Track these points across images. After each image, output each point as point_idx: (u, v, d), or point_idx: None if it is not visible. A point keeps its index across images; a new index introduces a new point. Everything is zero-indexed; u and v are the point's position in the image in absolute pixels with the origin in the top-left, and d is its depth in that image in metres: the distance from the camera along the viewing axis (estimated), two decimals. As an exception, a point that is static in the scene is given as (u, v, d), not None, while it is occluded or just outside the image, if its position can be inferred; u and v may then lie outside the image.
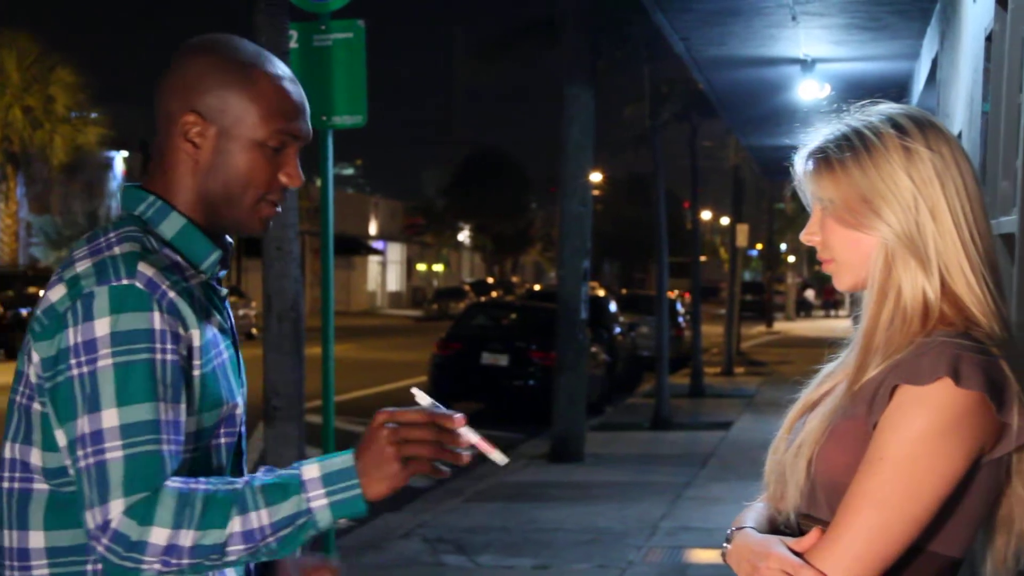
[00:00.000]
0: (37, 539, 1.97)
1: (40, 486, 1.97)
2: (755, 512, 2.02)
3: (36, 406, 1.97)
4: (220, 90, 2.03)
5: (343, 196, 59.39)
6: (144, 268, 1.93)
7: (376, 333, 36.71)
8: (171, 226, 2.05)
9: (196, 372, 1.97)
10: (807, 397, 2.05)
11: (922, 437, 1.78)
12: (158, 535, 1.85)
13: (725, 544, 1.99)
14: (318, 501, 1.92)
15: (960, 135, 5.66)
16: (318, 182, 6.36)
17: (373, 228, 61.95)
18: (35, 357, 1.95)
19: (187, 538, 1.85)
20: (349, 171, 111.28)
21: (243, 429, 2.13)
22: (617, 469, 11.85)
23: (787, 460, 1.95)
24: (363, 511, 1.95)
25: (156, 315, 1.91)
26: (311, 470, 1.95)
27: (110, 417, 1.87)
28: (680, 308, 28.20)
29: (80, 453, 1.88)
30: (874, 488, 1.79)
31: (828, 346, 2.14)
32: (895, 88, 11.86)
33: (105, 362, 1.88)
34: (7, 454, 2.00)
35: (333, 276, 6.57)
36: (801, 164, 2.00)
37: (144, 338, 1.90)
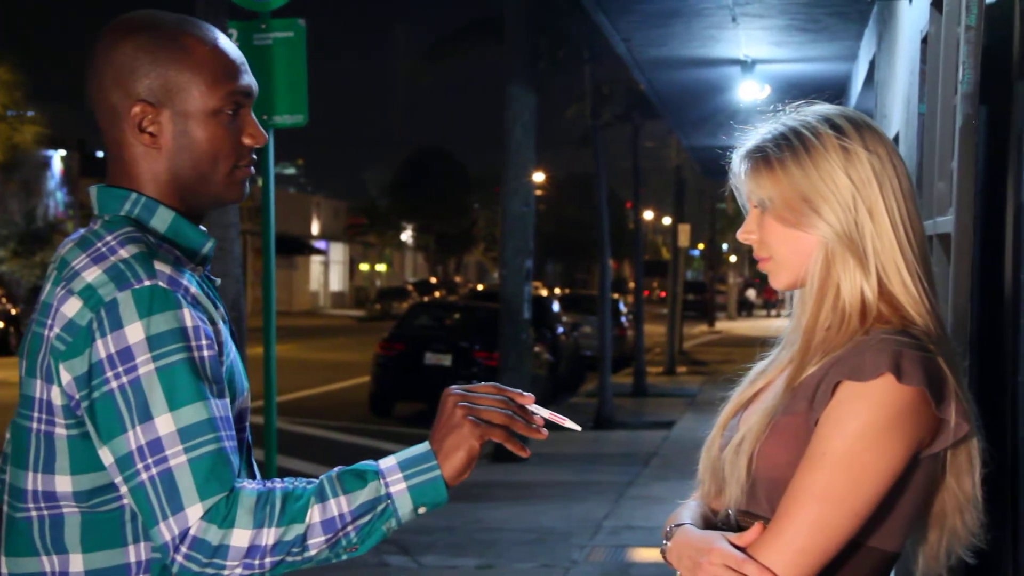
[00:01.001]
0: (76, 562, 1.89)
1: (71, 510, 1.89)
2: (690, 510, 2.03)
3: (60, 431, 1.88)
4: (158, 71, 1.94)
5: (285, 196, 59.06)
6: (161, 267, 1.86)
7: (318, 333, 36.54)
8: (162, 221, 1.97)
9: (223, 365, 1.92)
10: (740, 395, 2.07)
11: (863, 432, 1.80)
12: (240, 537, 1.78)
13: (664, 542, 2.00)
14: (397, 486, 1.87)
15: (897, 136, 5.72)
16: (259, 182, 6.33)
17: (315, 228, 61.66)
18: (65, 377, 1.85)
19: (269, 536, 1.79)
20: (291, 171, 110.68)
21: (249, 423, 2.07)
22: (560, 469, 11.88)
23: (727, 457, 1.96)
24: (444, 497, 1.90)
25: (186, 312, 1.84)
26: (387, 460, 1.91)
27: (165, 423, 1.80)
28: (623, 308, 28.32)
29: (140, 466, 1.80)
30: (816, 483, 1.81)
31: (761, 345, 2.16)
32: (834, 89, 11.97)
33: (147, 368, 1.80)
34: (28, 485, 1.90)
35: (275, 276, 6.53)
36: (738, 163, 2.01)
37: (179, 337, 1.83)
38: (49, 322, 1.88)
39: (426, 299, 41.49)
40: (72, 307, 1.85)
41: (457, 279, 64.40)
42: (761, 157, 1.96)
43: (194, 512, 1.78)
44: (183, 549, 1.78)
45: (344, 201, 68.96)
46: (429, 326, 18.13)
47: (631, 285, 36.77)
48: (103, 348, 1.82)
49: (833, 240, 1.92)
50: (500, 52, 13.60)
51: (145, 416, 1.80)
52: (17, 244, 32.68)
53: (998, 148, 3.16)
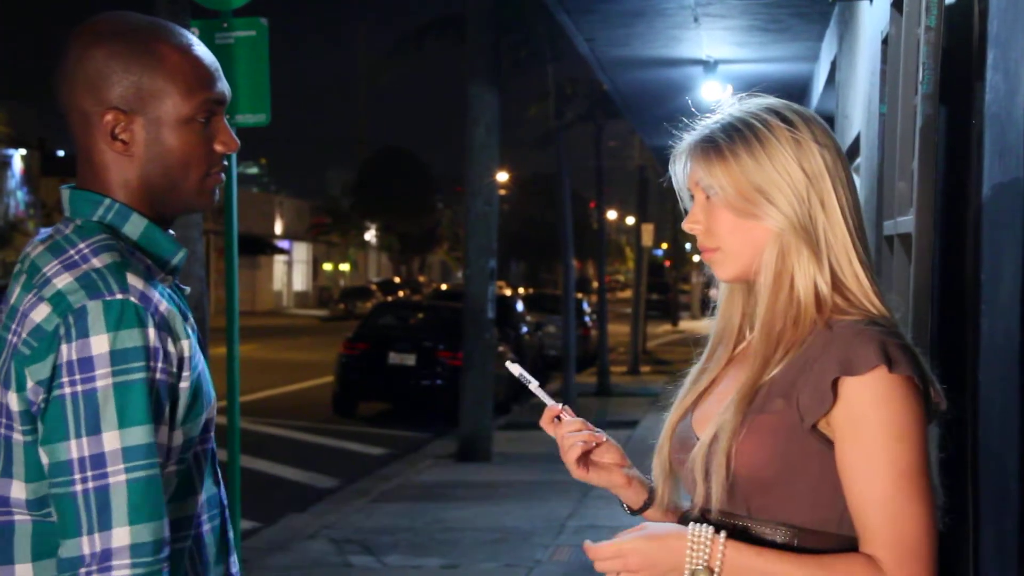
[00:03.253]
0: (24, 572, 1.88)
1: (22, 518, 1.88)
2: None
3: (17, 436, 1.87)
4: (131, 78, 1.92)
5: (247, 195, 58.77)
6: (134, 281, 1.85)
7: (282, 333, 36.40)
8: (134, 228, 1.96)
9: (184, 384, 1.90)
10: (685, 398, 2.06)
11: (890, 421, 1.82)
12: None
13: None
14: None
15: (858, 136, 5.76)
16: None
17: (278, 227, 61.39)
18: (29, 383, 1.84)
19: None
20: (253, 170, 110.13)
21: (213, 434, 2.06)
22: (524, 468, 11.88)
23: (696, 456, 1.94)
24: None
25: (151, 332, 1.84)
26: None
27: (112, 439, 1.79)
28: (586, 307, 28.36)
29: (77, 476, 1.79)
30: (887, 470, 1.81)
31: (694, 343, 2.15)
32: (796, 89, 12.04)
33: (105, 382, 1.80)
34: None
35: (237, 276, 6.50)
36: (685, 153, 2.00)
37: (141, 356, 1.82)
38: (15, 327, 1.87)
39: (390, 299, 41.39)
40: (40, 313, 1.84)
41: (421, 279, 64.28)
42: (712, 147, 1.95)
43: (120, 534, 1.78)
44: (94, 568, 1.77)
45: (307, 201, 68.68)
46: (393, 326, 18.10)
47: (595, 285, 36.84)
48: (66, 353, 1.81)
49: (788, 230, 1.92)
50: (462, 51, 13.59)
51: (94, 429, 1.79)
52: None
53: (958, 148, 3.19)
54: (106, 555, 1.77)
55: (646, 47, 10.40)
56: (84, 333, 1.81)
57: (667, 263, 52.76)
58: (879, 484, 1.81)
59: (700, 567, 1.84)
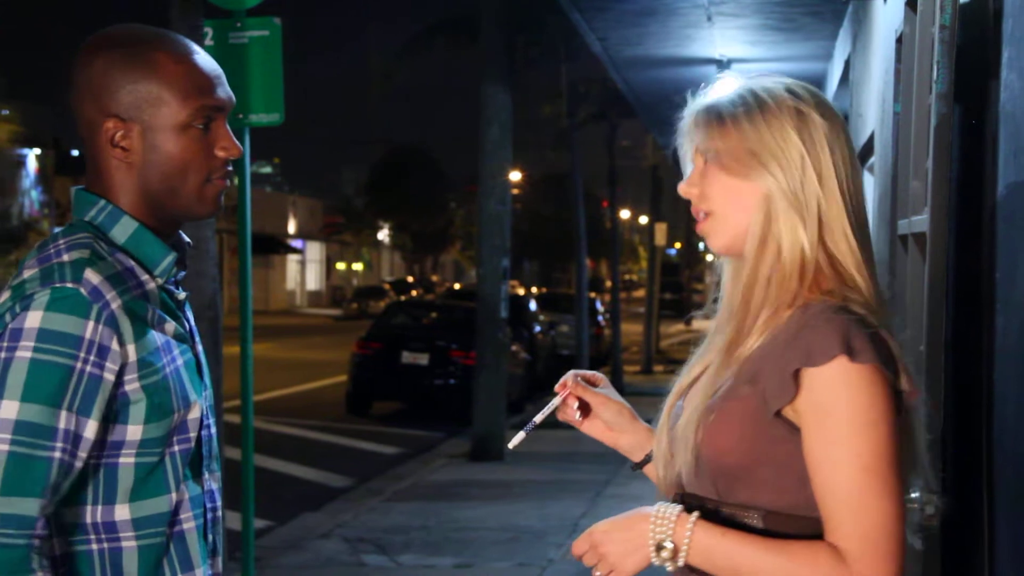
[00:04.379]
0: None
1: None
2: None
3: None
4: (129, 86, 1.99)
5: (261, 194, 58.88)
6: (91, 275, 1.90)
7: (295, 332, 36.46)
8: (123, 230, 2.02)
9: (132, 386, 1.93)
10: (681, 382, 2.08)
11: (853, 415, 1.80)
12: None
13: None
14: None
15: (872, 135, 5.75)
16: (235, 180, 6.30)
17: (292, 227, 61.50)
18: None
19: None
20: (267, 169, 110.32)
21: (205, 433, 2.09)
22: (537, 468, 11.88)
23: (675, 439, 1.96)
24: None
25: (90, 324, 1.88)
26: None
27: (8, 408, 1.84)
28: (599, 307, 28.35)
29: None
30: (851, 461, 1.80)
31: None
32: (809, 88, 12.02)
33: (23, 353, 1.85)
34: None
35: (251, 275, 6.51)
36: (690, 120, 2.00)
37: (71, 343, 1.87)
38: None
39: (403, 298, 41.44)
40: (1, 299, 1.93)
41: (434, 278, 64.35)
42: (714, 112, 1.96)
43: None
44: None
45: (320, 200, 68.80)
46: (406, 325, 18.12)
47: (608, 284, 36.83)
48: (7, 327, 1.88)
49: (777, 194, 1.90)
50: (476, 51, 13.60)
51: None
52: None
53: (973, 147, 3.18)
54: None
55: (659, 46, 10.39)
56: (25, 310, 1.87)
57: (685, 274, 52.69)
58: (842, 476, 1.80)
59: (663, 539, 1.86)
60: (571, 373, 2.22)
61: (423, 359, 16.44)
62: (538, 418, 2.17)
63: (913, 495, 2.33)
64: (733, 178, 1.93)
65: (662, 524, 1.87)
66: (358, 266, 69.71)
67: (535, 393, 18.79)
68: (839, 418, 1.80)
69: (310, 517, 9.40)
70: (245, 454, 6.30)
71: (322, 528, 8.96)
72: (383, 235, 65.47)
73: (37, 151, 38.99)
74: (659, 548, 1.86)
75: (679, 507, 1.88)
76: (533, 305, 22.29)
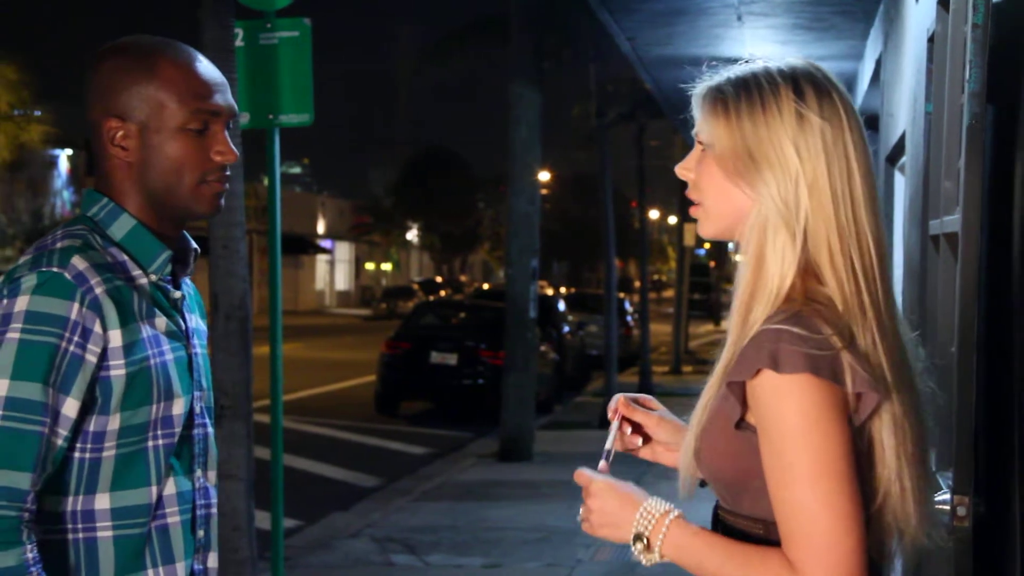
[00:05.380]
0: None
1: None
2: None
3: None
4: (130, 88, 2.10)
5: (290, 195, 59.09)
6: (77, 261, 2.01)
7: (324, 332, 36.56)
8: (121, 228, 2.12)
9: (116, 372, 2.02)
10: (706, 388, 2.05)
11: (795, 426, 1.78)
12: None
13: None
14: None
15: (904, 135, 5.72)
16: (265, 181, 6.32)
17: (321, 227, 61.68)
18: None
19: None
20: (296, 170, 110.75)
21: (198, 432, 2.17)
22: (566, 468, 11.82)
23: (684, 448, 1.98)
24: None
25: (75, 306, 1.98)
26: None
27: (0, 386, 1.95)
28: (628, 307, 28.30)
29: None
30: (792, 476, 1.79)
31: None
32: (840, 88, 11.97)
33: (12, 335, 1.95)
34: None
35: (281, 275, 6.53)
36: (700, 98, 2.00)
37: (57, 323, 1.96)
38: None
39: (432, 298, 41.49)
40: None
41: (463, 278, 64.41)
42: (719, 97, 1.95)
43: None
44: None
45: (349, 200, 69.00)
46: (435, 325, 18.14)
47: (636, 284, 36.81)
48: None
49: (769, 207, 1.88)
50: (505, 51, 13.60)
51: None
52: (24, 243, 32.74)
53: (1005, 147, 3.16)
54: None
55: (689, 46, 10.36)
56: (14, 294, 1.99)
57: (711, 264, 52.66)
58: (785, 489, 1.80)
59: (643, 532, 1.90)
60: (618, 396, 2.21)
61: (452, 359, 16.46)
62: (608, 445, 2.17)
63: (942, 496, 2.32)
64: (727, 174, 1.93)
65: (646, 518, 1.90)
66: (387, 266, 69.85)
67: (564, 393, 18.78)
68: (772, 430, 1.80)
69: (339, 517, 9.42)
70: (274, 454, 6.32)
71: (351, 528, 8.98)
72: (412, 235, 65.57)
73: (69, 152, 39.26)
74: (636, 539, 1.91)
75: (667, 505, 1.90)
76: (562, 305, 22.28)
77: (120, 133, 2.11)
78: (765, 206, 1.89)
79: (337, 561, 7.99)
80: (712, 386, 1.93)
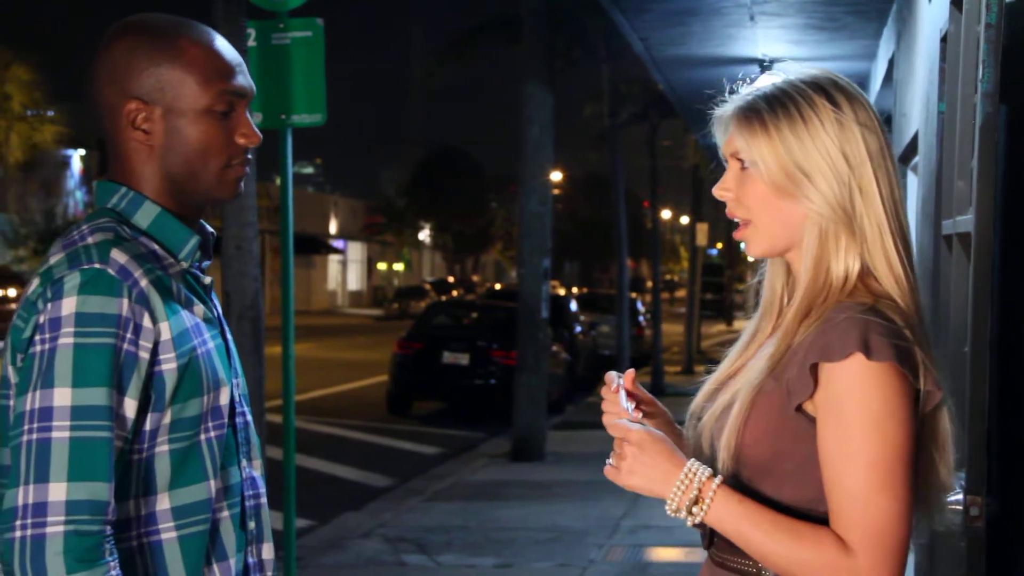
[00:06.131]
0: None
1: None
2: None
3: (10, 403, 1.94)
4: (152, 68, 2.00)
5: (303, 195, 59.14)
6: (117, 255, 1.91)
7: (336, 332, 36.60)
8: (146, 215, 2.02)
9: (168, 366, 1.93)
10: (724, 370, 2.08)
11: (866, 411, 1.82)
12: (55, 568, 1.80)
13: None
14: None
15: (916, 135, 5.71)
16: (277, 181, 6.33)
17: (333, 227, 61.74)
18: (19, 356, 1.92)
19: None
20: (309, 170, 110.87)
21: (240, 420, 2.09)
22: (578, 468, 11.87)
23: (707, 424, 1.99)
24: None
25: (124, 302, 1.88)
26: None
27: (62, 395, 1.84)
28: (640, 307, 28.28)
29: (26, 427, 1.84)
30: (859, 458, 1.82)
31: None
32: (852, 88, 11.95)
33: (66, 340, 1.85)
34: (5, 460, 1.94)
35: (293, 275, 6.54)
36: (728, 117, 1.99)
37: (110, 323, 1.87)
38: (19, 310, 1.96)
39: (444, 298, 41.48)
40: (31, 286, 1.94)
41: (475, 278, 64.40)
42: (755, 117, 1.95)
43: (57, 489, 1.82)
44: (28, 520, 1.81)
45: (362, 200, 69.03)
46: (447, 325, 18.15)
47: (649, 284, 36.79)
48: (43, 316, 1.88)
49: (827, 215, 1.92)
50: (517, 51, 13.60)
51: (48, 383, 1.85)
52: (37, 243, 32.81)
53: (1018, 147, 3.15)
54: (40, 508, 1.81)
55: (701, 46, 10.35)
56: (59, 296, 1.88)
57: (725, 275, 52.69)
58: (850, 471, 1.82)
59: (690, 500, 1.88)
60: (629, 372, 2.18)
61: (464, 359, 16.46)
62: (625, 403, 2.11)
63: (955, 496, 2.33)
64: (777, 191, 1.94)
65: (688, 484, 1.89)
66: (399, 266, 69.89)
67: (576, 393, 18.77)
68: (850, 413, 1.83)
69: (351, 517, 9.43)
70: (287, 453, 6.33)
71: (363, 528, 8.99)
72: (424, 235, 65.60)
73: (82, 152, 39.35)
74: (677, 511, 1.90)
75: (709, 471, 1.90)
76: (574, 305, 22.27)
77: (142, 115, 2.00)
78: (821, 214, 1.92)
79: (349, 561, 8.00)
80: (756, 372, 1.94)
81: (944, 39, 4.13)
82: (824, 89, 1.95)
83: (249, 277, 6.41)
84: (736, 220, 2.01)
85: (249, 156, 2.10)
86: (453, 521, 9.21)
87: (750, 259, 2.06)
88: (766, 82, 2.00)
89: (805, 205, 1.92)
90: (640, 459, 1.92)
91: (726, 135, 2.00)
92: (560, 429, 14.63)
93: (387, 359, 17.35)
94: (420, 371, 16.44)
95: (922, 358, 1.87)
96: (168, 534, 1.96)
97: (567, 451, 13.03)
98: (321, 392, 18.73)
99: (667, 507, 1.92)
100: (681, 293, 64.65)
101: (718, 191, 2.02)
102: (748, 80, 2.05)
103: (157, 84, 2.00)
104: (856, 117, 1.93)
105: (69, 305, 1.87)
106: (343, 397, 18.56)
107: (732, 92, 2.03)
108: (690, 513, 1.89)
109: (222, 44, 2.06)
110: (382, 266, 69.48)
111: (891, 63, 8.20)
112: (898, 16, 7.59)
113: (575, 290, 41.44)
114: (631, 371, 2.12)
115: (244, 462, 2.10)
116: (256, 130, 2.08)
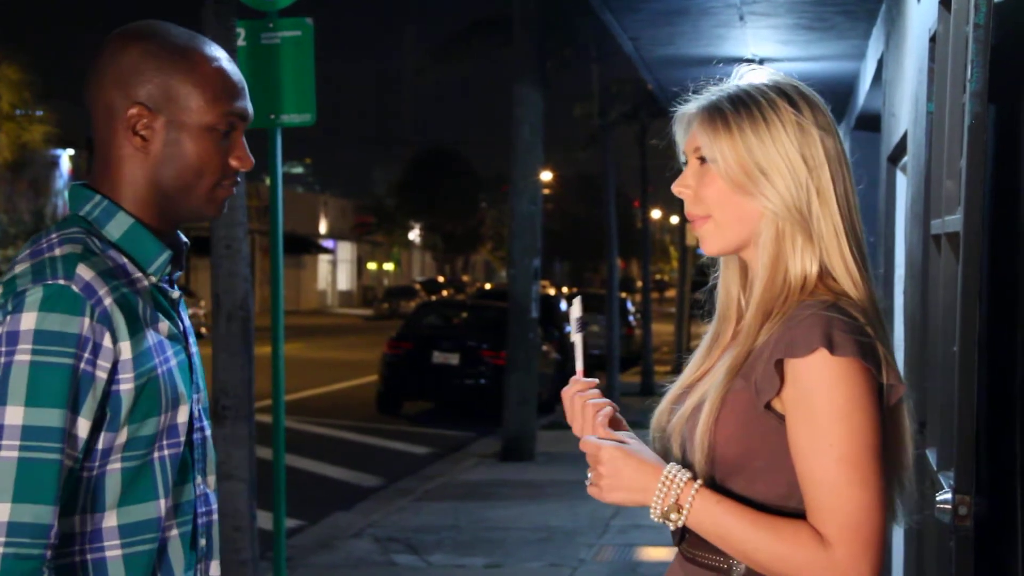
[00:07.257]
0: None
1: None
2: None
3: None
4: (161, 78, 1.98)
5: (292, 195, 59.10)
6: (83, 271, 1.88)
7: (326, 332, 36.57)
8: (118, 227, 1.99)
9: (125, 386, 1.90)
10: (689, 375, 2.11)
11: (834, 404, 1.86)
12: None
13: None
14: None
15: (905, 135, 5.72)
16: (267, 181, 6.32)
17: (323, 227, 61.69)
18: None
19: None
20: (298, 170, 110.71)
21: (197, 436, 2.06)
22: (568, 468, 11.87)
23: (675, 426, 2.02)
24: None
25: (86, 321, 1.85)
26: None
27: (14, 414, 1.81)
28: (630, 307, 28.30)
29: None
30: (829, 451, 1.86)
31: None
32: (842, 88, 11.97)
33: (23, 357, 1.82)
34: None
35: (283, 275, 6.53)
36: (690, 116, 2.04)
37: (69, 342, 1.84)
38: None
39: (434, 298, 41.49)
40: None
41: (465, 278, 64.41)
42: (718, 116, 1.99)
43: (1, 510, 1.79)
44: None
45: (352, 200, 68.98)
46: (437, 325, 18.15)
47: (639, 284, 36.83)
48: (1, 328, 1.85)
49: (783, 214, 1.96)
50: (507, 52, 13.61)
51: (0, 399, 1.82)
52: (25, 243, 32.75)
53: (1007, 147, 3.16)
54: None
55: (691, 46, 10.36)
56: (19, 310, 1.84)
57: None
58: (822, 466, 1.86)
59: (670, 505, 1.91)
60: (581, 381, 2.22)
61: (454, 359, 16.47)
62: (579, 363, 2.13)
63: (944, 496, 2.34)
64: (735, 187, 1.98)
65: (670, 488, 1.92)
66: (389, 266, 69.86)
67: (566, 393, 18.73)
68: (817, 408, 1.86)
69: (341, 517, 9.43)
70: (276, 454, 6.33)
71: (353, 528, 8.98)
72: (414, 235, 65.58)
73: (71, 152, 39.27)
74: (664, 514, 1.92)
75: (688, 473, 1.93)
76: (564, 305, 22.27)
77: (143, 121, 1.98)
78: (777, 213, 1.96)
79: (339, 561, 7.99)
80: (722, 374, 1.97)
81: (933, 39, 4.14)
82: (787, 93, 1.99)
83: (239, 277, 6.40)
84: (695, 217, 2.05)
85: (239, 179, 2.10)
86: (443, 521, 9.21)
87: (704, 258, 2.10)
88: (728, 86, 2.04)
89: (762, 203, 1.97)
90: (617, 475, 1.96)
91: (688, 133, 2.04)
92: (550, 429, 14.63)
93: (377, 359, 17.34)
94: (410, 371, 16.44)
95: (883, 353, 1.91)
96: (113, 552, 1.93)
97: (557, 451, 13.03)
98: (311, 392, 18.71)
99: (651, 514, 1.95)
100: (671, 293, 64.69)
101: (677, 188, 2.05)
102: (712, 81, 2.09)
103: (165, 93, 1.98)
104: (816, 121, 1.98)
105: (29, 320, 1.83)
106: (333, 397, 18.55)
107: (695, 92, 2.08)
108: (669, 519, 1.93)
109: (231, 65, 2.06)
110: (372, 266, 69.44)
111: (880, 63, 8.22)
112: (887, 16, 7.60)
113: (565, 290, 41.44)
114: (595, 380, 2.22)
115: (199, 479, 2.07)
116: (250, 155, 2.07)
